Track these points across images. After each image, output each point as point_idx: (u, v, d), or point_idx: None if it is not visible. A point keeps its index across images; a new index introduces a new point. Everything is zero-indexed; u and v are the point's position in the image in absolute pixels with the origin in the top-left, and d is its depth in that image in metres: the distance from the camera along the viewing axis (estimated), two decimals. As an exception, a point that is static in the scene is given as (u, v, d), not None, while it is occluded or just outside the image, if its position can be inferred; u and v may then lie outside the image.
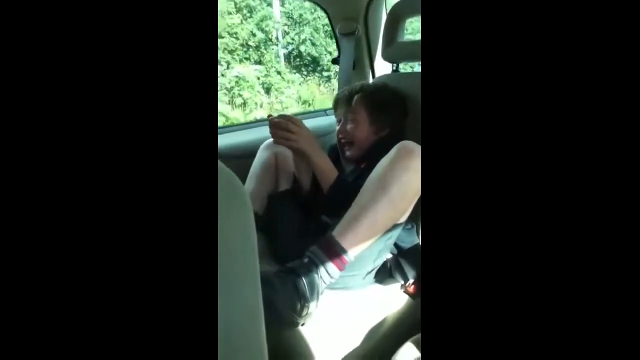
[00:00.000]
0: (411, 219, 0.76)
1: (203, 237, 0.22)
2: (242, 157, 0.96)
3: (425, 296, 0.25)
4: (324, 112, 1.41)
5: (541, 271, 0.23)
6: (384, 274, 0.75)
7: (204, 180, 0.22)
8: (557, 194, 0.23)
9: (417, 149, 0.63)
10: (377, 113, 0.86)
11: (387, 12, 1.14)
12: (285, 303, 0.57)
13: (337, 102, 0.93)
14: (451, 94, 0.24)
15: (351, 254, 0.63)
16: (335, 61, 1.30)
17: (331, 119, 1.33)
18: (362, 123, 0.86)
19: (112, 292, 0.21)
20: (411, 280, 0.76)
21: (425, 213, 0.25)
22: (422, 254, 0.26)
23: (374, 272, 0.72)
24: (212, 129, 0.23)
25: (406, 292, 0.75)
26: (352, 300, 0.69)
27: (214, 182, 0.22)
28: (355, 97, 0.86)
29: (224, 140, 1.06)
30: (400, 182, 0.62)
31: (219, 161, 0.23)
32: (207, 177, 0.22)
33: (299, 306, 0.58)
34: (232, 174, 0.24)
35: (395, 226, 0.68)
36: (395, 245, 0.78)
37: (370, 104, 0.86)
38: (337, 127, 0.91)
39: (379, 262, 0.72)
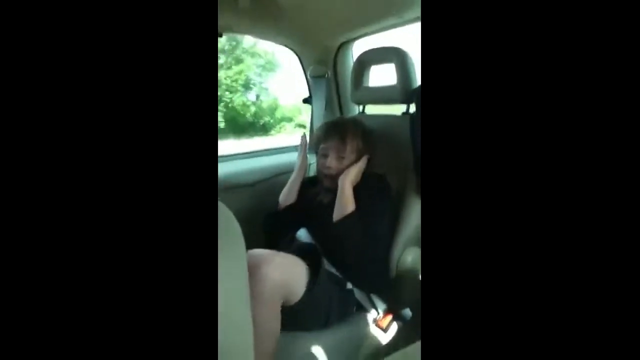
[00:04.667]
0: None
1: (202, 275, 0.23)
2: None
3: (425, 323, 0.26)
4: (294, 147, 1.45)
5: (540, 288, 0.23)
6: (348, 310, 0.77)
7: (203, 219, 0.24)
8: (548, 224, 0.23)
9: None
10: (364, 150, 0.91)
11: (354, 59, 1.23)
12: None
13: (323, 136, 0.94)
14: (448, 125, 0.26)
15: None
16: (306, 100, 1.37)
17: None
18: (350, 158, 0.90)
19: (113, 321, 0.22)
20: (381, 314, 0.77)
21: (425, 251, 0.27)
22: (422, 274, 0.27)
23: (334, 314, 0.74)
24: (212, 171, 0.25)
25: (377, 325, 0.76)
26: (315, 343, 0.70)
27: (214, 222, 0.24)
28: (349, 135, 0.91)
29: None
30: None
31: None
32: (206, 215, 0.24)
33: None
34: (230, 214, 0.25)
35: None
36: (365, 284, 0.80)
37: (362, 142, 0.91)
38: (322, 161, 0.92)
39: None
